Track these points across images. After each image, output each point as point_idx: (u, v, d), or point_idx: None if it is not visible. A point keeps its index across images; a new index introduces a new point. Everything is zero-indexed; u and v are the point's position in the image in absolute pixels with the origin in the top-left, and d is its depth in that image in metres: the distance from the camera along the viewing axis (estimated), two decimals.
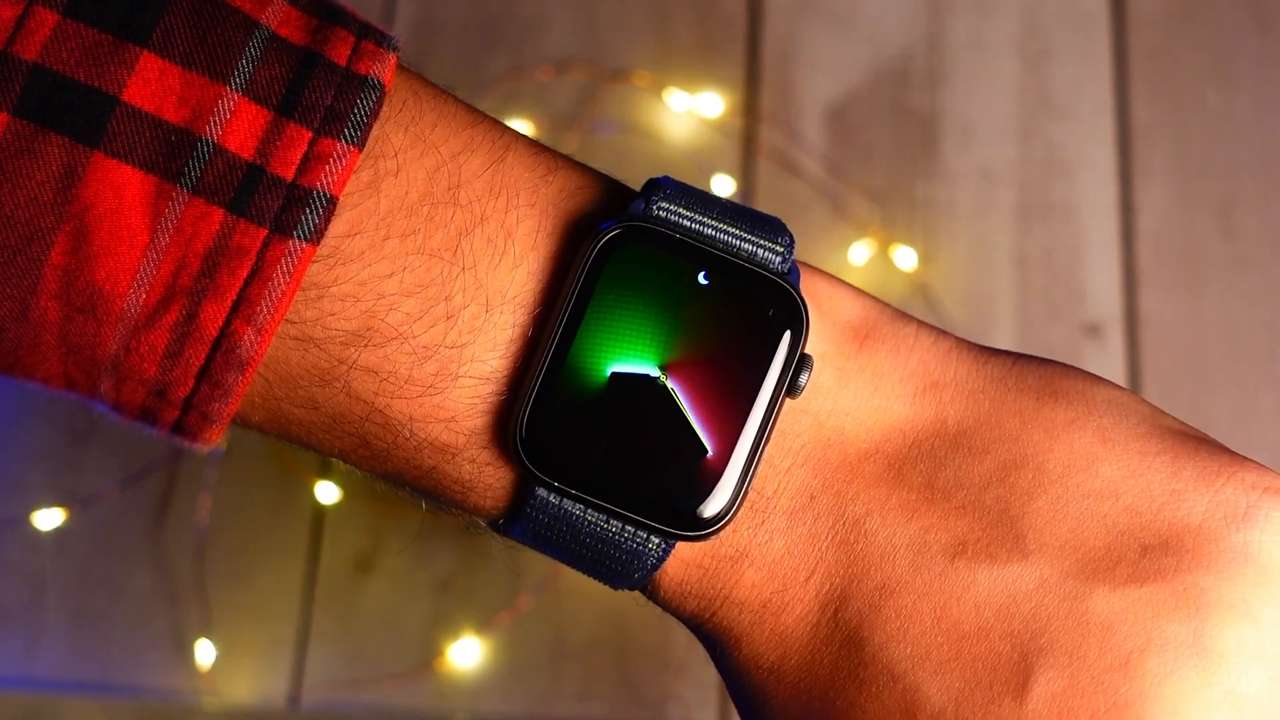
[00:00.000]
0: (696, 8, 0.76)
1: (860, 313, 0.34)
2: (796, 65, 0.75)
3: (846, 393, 0.33)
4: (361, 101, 0.30)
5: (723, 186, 0.72)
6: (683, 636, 0.66)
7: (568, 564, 0.34)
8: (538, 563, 0.66)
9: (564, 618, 0.67)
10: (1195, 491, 0.31)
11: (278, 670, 0.66)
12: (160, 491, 0.67)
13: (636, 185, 0.34)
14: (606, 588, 0.35)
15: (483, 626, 0.66)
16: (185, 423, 0.31)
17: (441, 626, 0.66)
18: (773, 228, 0.33)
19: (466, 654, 0.66)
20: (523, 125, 0.72)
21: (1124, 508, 0.31)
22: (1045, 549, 0.31)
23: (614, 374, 0.32)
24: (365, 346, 0.31)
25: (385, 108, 0.31)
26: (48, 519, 0.66)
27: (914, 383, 0.33)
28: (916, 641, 0.31)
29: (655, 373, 0.32)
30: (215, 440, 0.32)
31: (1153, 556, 0.31)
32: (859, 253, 0.71)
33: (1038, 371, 0.34)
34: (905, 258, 0.71)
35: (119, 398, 0.31)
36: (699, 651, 0.66)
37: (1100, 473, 0.32)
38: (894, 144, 0.74)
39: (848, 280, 0.72)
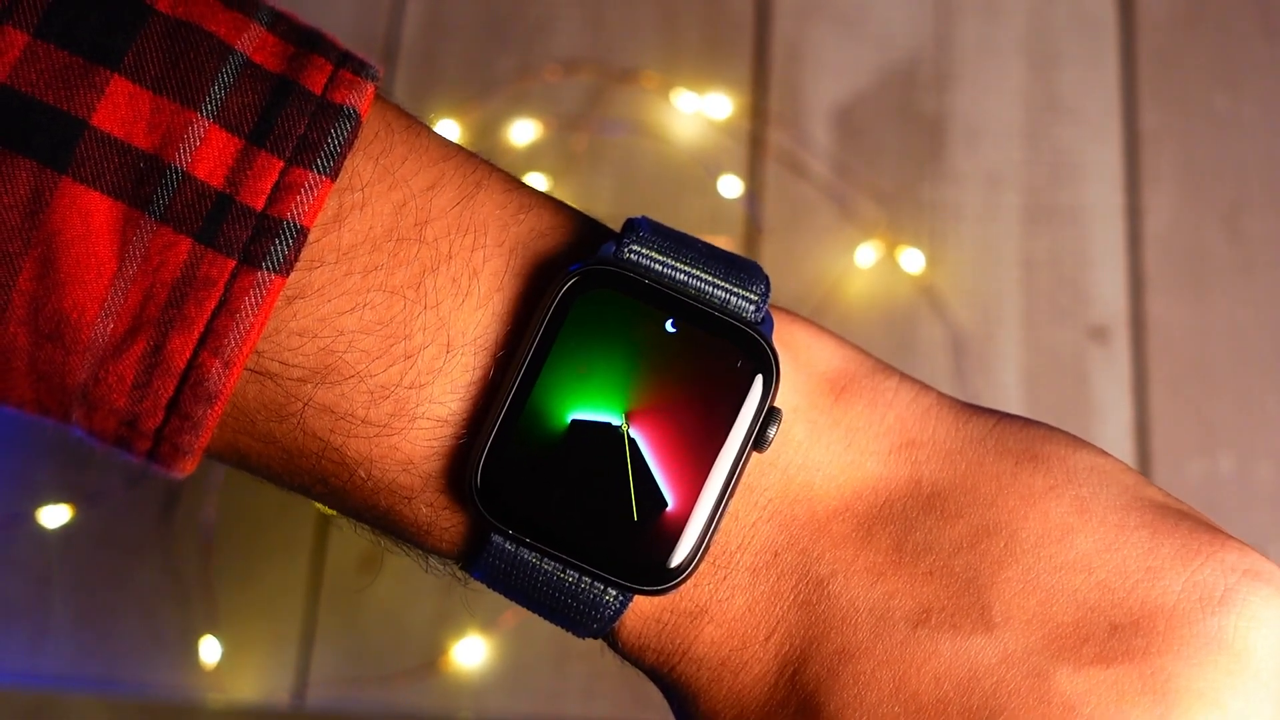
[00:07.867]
0: (704, 9, 0.76)
1: (839, 364, 0.33)
2: (804, 67, 0.75)
3: (819, 447, 0.32)
4: (335, 131, 0.30)
5: (730, 188, 0.72)
6: None
7: (529, 609, 0.33)
8: None
9: None
10: (1171, 570, 0.30)
11: (283, 668, 0.66)
12: (167, 489, 0.68)
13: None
14: None
15: (488, 625, 0.66)
16: (159, 452, 0.31)
17: (447, 625, 0.67)
18: (748, 274, 0.32)
19: (471, 653, 0.66)
20: (531, 126, 0.72)
21: (1096, 583, 0.30)
22: (1011, 622, 0.30)
23: (575, 421, 0.31)
24: (321, 383, 0.30)
25: (356, 139, 0.31)
26: (54, 516, 0.67)
27: (890, 439, 0.32)
28: (872, 710, 0.30)
29: (618, 421, 0.31)
30: (190, 470, 0.31)
31: (1122, 636, 0.30)
32: (866, 255, 0.71)
33: (1019, 434, 0.33)
34: (912, 260, 0.71)
35: (91, 426, 0.31)
36: None
37: (1075, 545, 0.31)
38: (901, 146, 0.74)
39: (854, 285, 0.72)
